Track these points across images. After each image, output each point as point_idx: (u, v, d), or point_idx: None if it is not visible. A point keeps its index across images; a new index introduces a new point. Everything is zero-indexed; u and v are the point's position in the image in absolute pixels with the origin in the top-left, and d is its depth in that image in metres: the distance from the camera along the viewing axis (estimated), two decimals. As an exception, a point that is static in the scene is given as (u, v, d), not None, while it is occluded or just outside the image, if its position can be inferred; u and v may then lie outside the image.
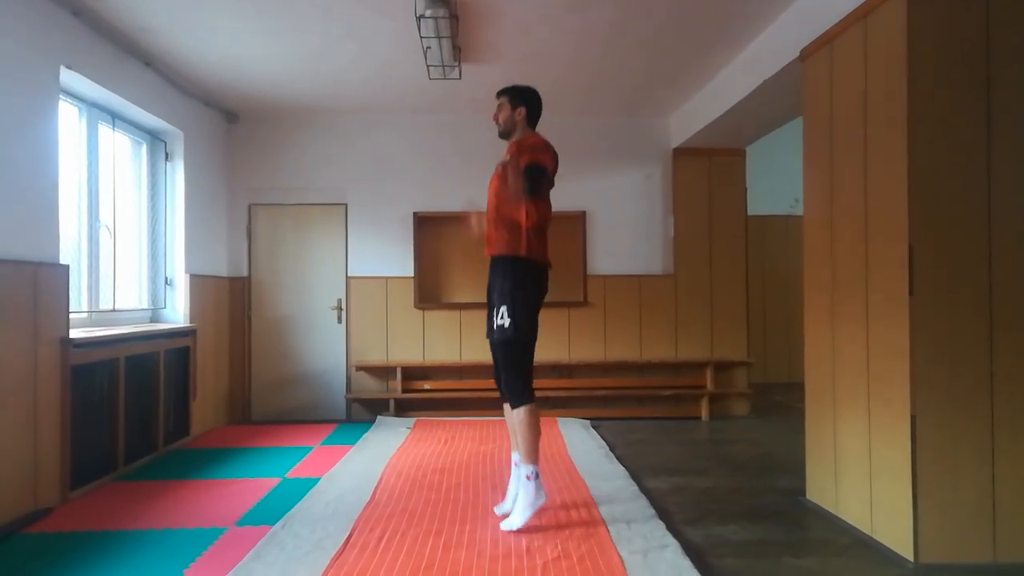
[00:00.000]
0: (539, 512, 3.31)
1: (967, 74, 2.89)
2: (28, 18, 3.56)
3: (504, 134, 3.44)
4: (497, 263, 3.36)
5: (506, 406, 3.37)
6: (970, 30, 2.89)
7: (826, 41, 3.50)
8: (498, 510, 3.43)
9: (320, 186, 6.28)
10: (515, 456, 3.42)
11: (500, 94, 3.45)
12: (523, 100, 3.40)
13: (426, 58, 4.48)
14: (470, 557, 2.89)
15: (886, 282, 3.02)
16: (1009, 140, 2.87)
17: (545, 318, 6.51)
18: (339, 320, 6.28)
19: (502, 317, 3.26)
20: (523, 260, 3.28)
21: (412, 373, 6.19)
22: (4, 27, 3.40)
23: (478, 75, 5.01)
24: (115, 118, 4.72)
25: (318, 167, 6.27)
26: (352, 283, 6.28)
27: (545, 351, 6.25)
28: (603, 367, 6.27)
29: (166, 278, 5.30)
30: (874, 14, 3.10)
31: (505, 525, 3.19)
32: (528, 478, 3.21)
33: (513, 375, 3.29)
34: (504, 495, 3.54)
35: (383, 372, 6.25)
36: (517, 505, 3.22)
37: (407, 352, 6.27)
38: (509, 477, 3.53)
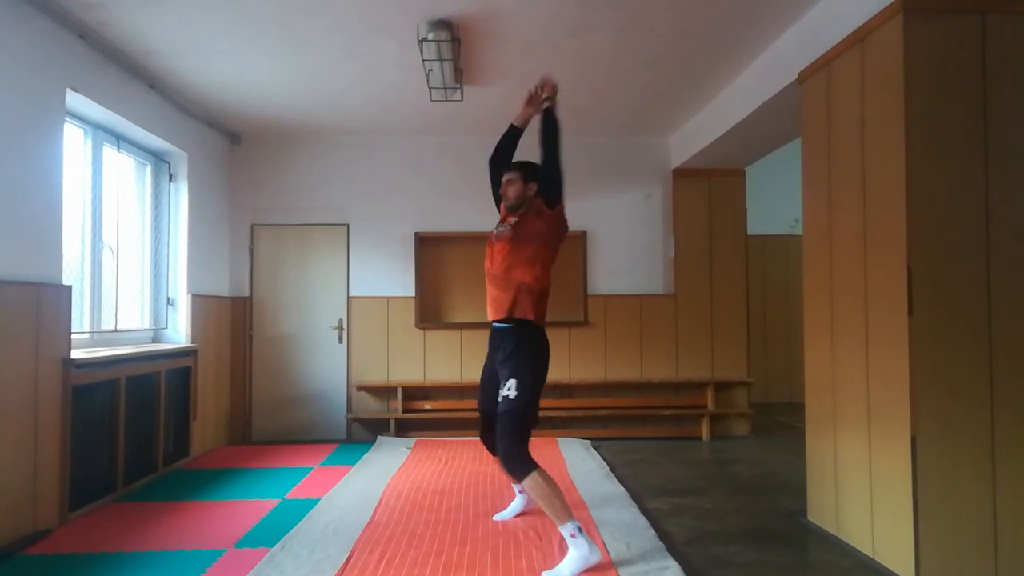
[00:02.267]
0: (540, 532, 3.28)
1: (964, 95, 2.92)
2: (36, 41, 3.61)
3: (514, 208, 3.41)
4: (502, 332, 3.33)
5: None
6: (966, 52, 2.93)
7: (824, 63, 3.54)
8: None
9: (322, 206, 6.31)
10: (561, 529, 3.02)
11: (512, 168, 3.44)
12: (535, 176, 3.36)
13: (428, 80, 4.53)
14: (470, 579, 2.87)
15: (885, 302, 3.03)
16: (1006, 161, 2.90)
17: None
18: (340, 340, 6.28)
19: (509, 389, 3.16)
20: (532, 325, 3.27)
21: (413, 393, 6.19)
22: (12, 50, 3.44)
23: (479, 97, 5.06)
24: (120, 139, 4.76)
25: (320, 187, 6.31)
26: (353, 303, 6.29)
27: (546, 371, 6.26)
28: (603, 387, 6.26)
29: (168, 298, 5.32)
30: (871, 36, 3.14)
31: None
32: (573, 536, 2.93)
33: (511, 444, 3.12)
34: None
35: (384, 392, 6.24)
36: (567, 561, 2.93)
37: (408, 372, 6.27)
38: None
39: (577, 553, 2.91)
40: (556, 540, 3.30)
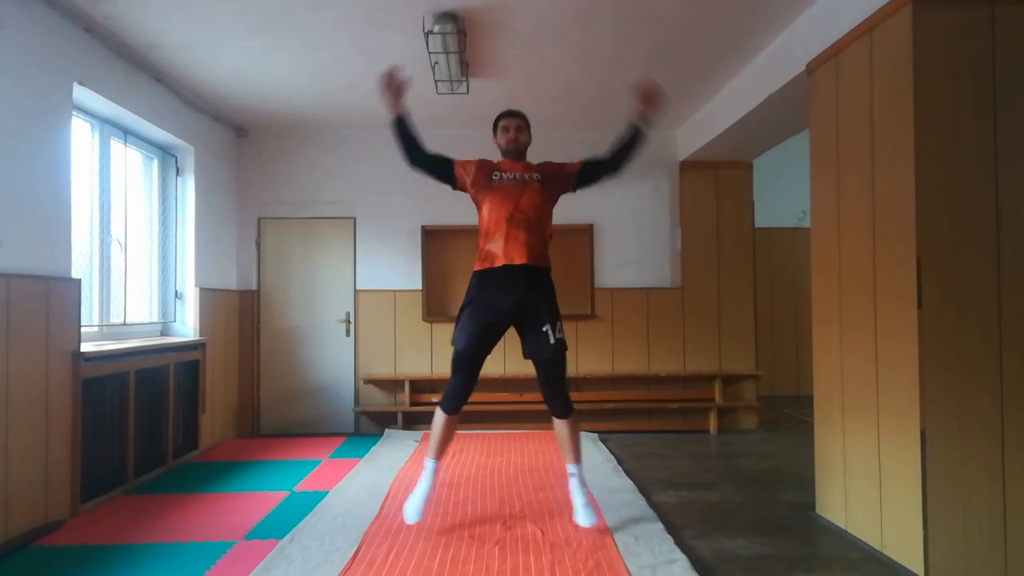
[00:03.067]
0: (547, 526, 3.31)
1: (973, 86, 2.90)
2: (42, 36, 3.62)
3: (519, 154, 3.51)
4: (538, 274, 3.37)
5: (557, 422, 3.44)
6: (976, 42, 2.90)
7: (832, 54, 3.52)
8: (580, 521, 3.38)
9: (329, 200, 6.32)
10: (571, 468, 3.45)
11: (518, 116, 3.54)
12: (529, 126, 3.58)
13: (434, 73, 4.52)
14: (478, 571, 2.88)
15: (894, 295, 3.02)
16: (1016, 152, 2.87)
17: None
18: (347, 333, 6.30)
19: (560, 332, 3.36)
20: (549, 272, 3.46)
21: (420, 386, 6.20)
22: (19, 45, 3.45)
23: (485, 90, 5.05)
24: (127, 134, 4.78)
25: (327, 181, 6.31)
26: (360, 296, 6.31)
27: (553, 364, 6.26)
28: (611, 380, 6.26)
29: (176, 291, 5.34)
30: (880, 27, 3.11)
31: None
32: (583, 475, 3.46)
33: (567, 385, 3.43)
34: (572, 510, 3.48)
35: (391, 385, 6.26)
36: (585, 501, 3.39)
37: (415, 365, 6.28)
38: (572, 493, 3.48)
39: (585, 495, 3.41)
40: (563, 530, 3.31)
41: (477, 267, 3.41)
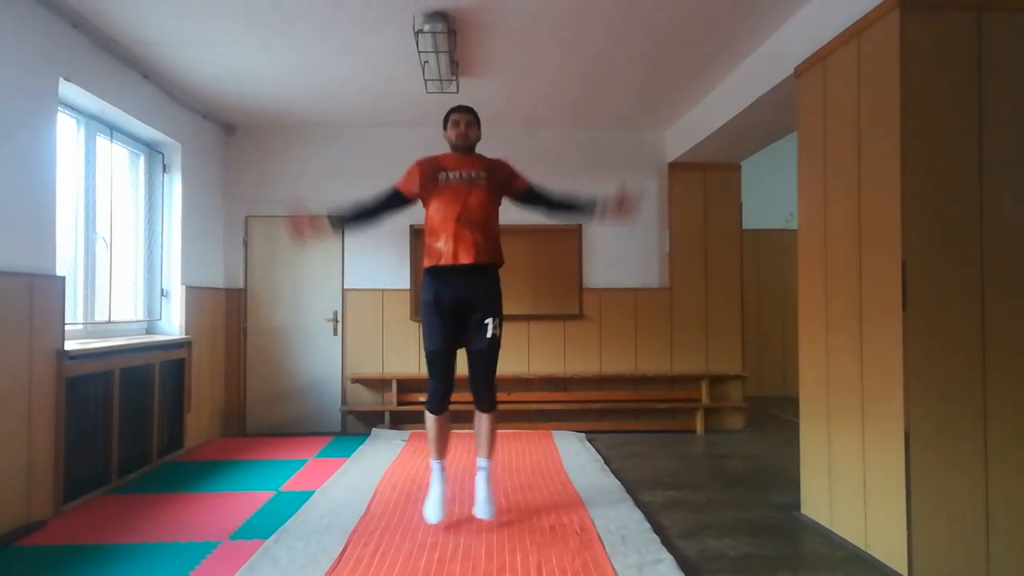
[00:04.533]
0: (534, 525, 3.33)
1: (959, 90, 2.92)
2: (28, 30, 3.58)
3: (468, 149, 3.57)
4: (485, 270, 3.45)
5: (479, 415, 3.55)
6: (962, 47, 2.93)
7: (820, 58, 3.54)
8: (479, 513, 3.46)
9: (317, 198, 6.26)
10: (482, 461, 3.56)
11: (468, 111, 3.59)
12: (479, 123, 3.63)
13: (424, 72, 4.51)
14: (465, 571, 2.88)
15: (880, 297, 3.04)
16: (1001, 156, 2.91)
17: (540, 331, 6.54)
18: (335, 332, 6.28)
19: (497, 327, 3.45)
20: (498, 268, 3.55)
21: (407, 385, 6.18)
22: (4, 40, 3.41)
23: (475, 89, 5.05)
24: (113, 130, 4.74)
25: (315, 179, 6.28)
26: (348, 295, 6.29)
27: (540, 364, 6.28)
28: (598, 380, 6.27)
29: (162, 290, 5.30)
30: (867, 32, 3.14)
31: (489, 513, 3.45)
32: (493, 470, 3.61)
33: (493, 382, 3.54)
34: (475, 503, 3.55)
35: (378, 384, 6.24)
36: (487, 495, 3.49)
37: (402, 364, 6.26)
38: (477, 485, 3.55)
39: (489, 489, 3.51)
40: (550, 530, 3.32)
41: (426, 263, 3.49)
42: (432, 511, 3.41)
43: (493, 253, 3.47)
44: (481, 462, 3.55)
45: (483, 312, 3.43)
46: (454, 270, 3.39)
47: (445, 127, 3.60)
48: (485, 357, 3.46)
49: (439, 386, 3.49)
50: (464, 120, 3.54)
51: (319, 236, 3.62)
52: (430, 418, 3.53)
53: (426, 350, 3.51)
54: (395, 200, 3.59)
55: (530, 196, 3.62)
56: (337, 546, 3.16)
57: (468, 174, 3.47)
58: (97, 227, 4.56)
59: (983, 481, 2.85)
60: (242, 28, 4.07)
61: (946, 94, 2.92)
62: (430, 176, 3.49)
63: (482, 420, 3.54)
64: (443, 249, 3.39)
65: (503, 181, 3.56)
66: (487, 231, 3.45)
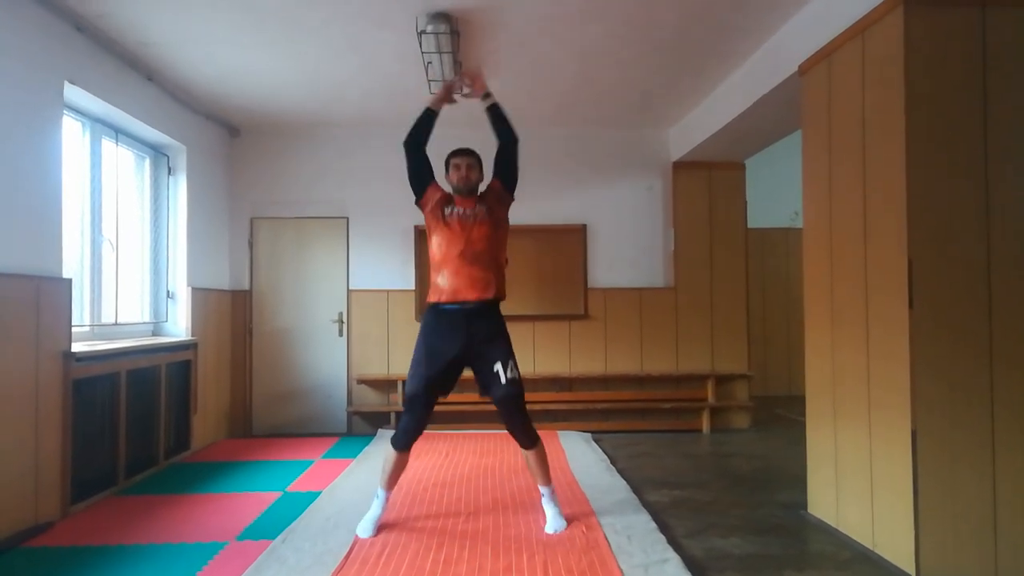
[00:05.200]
0: (540, 525, 3.35)
1: (964, 88, 2.91)
2: (33, 34, 3.60)
3: (470, 191, 3.54)
4: (486, 309, 3.42)
5: (524, 452, 3.48)
6: (967, 44, 2.92)
7: (824, 55, 3.53)
8: (550, 530, 3.39)
9: (321, 199, 6.30)
10: (542, 490, 3.52)
11: (469, 154, 3.58)
12: (481, 164, 3.61)
13: (427, 73, 4.51)
14: (471, 571, 2.88)
15: (886, 295, 3.03)
16: (1006, 153, 2.90)
17: (545, 331, 6.53)
18: (340, 333, 6.29)
19: (511, 370, 3.37)
20: (499, 303, 3.51)
21: (413, 386, 6.18)
22: (9, 43, 3.43)
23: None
24: (118, 133, 4.75)
25: (320, 180, 6.30)
26: (353, 296, 6.29)
27: (546, 364, 6.28)
28: (604, 380, 6.27)
29: (168, 291, 5.31)
30: (872, 29, 3.13)
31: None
32: (554, 492, 3.53)
33: (528, 418, 3.45)
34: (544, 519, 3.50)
35: (384, 385, 6.25)
36: (556, 512, 3.47)
37: (408, 365, 6.23)
38: (544, 507, 3.52)
39: (558, 508, 3.48)
40: (555, 531, 3.33)
41: (429, 298, 3.48)
42: (364, 528, 3.35)
43: (496, 288, 3.43)
44: (542, 490, 3.51)
45: (491, 359, 3.37)
46: (455, 313, 3.38)
47: (447, 171, 3.59)
48: (507, 404, 3.38)
49: (412, 425, 3.42)
50: (465, 163, 3.54)
51: (445, 100, 3.63)
52: (392, 453, 3.45)
53: (407, 389, 3.46)
54: (422, 172, 3.56)
55: (501, 169, 3.57)
56: (343, 547, 3.16)
57: (471, 211, 3.47)
58: (103, 229, 4.58)
59: (990, 479, 2.84)
60: (245, 30, 4.08)
61: (951, 90, 2.91)
62: (442, 206, 3.49)
63: (529, 456, 3.47)
64: (444, 286, 3.39)
65: (495, 200, 3.54)
66: (491, 265, 3.43)
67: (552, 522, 3.40)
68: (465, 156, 3.57)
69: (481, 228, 3.43)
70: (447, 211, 3.48)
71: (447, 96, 3.64)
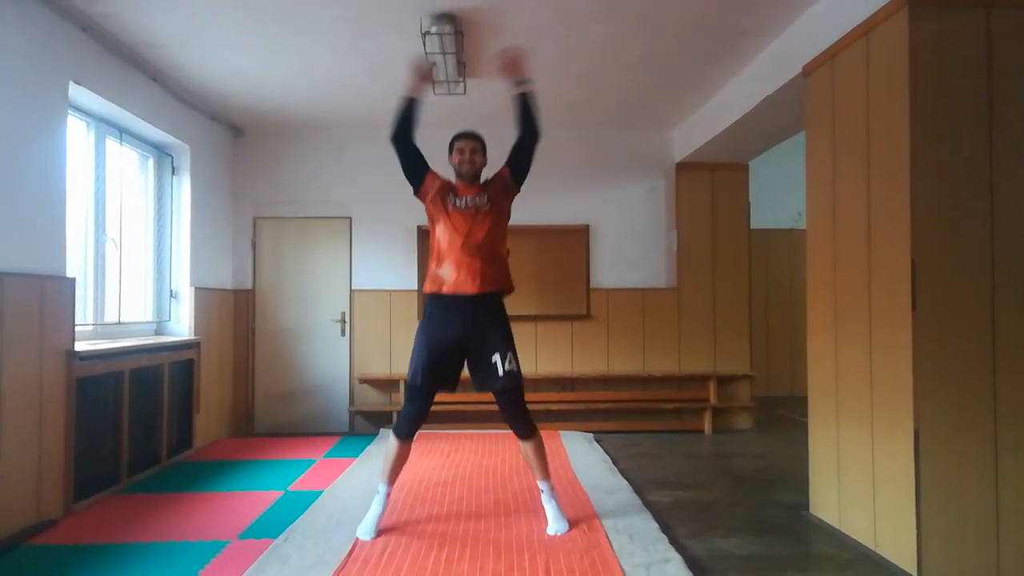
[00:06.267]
0: (542, 525, 3.35)
1: (969, 89, 2.91)
2: (38, 35, 3.61)
3: (474, 177, 3.50)
4: (487, 301, 3.38)
5: (521, 443, 3.45)
6: (971, 46, 2.92)
7: (829, 57, 3.53)
8: (551, 531, 3.37)
9: (324, 199, 6.31)
10: (541, 484, 3.48)
11: (473, 137, 3.53)
12: (485, 148, 3.56)
13: (432, 74, 4.51)
14: (472, 571, 2.89)
15: (889, 296, 3.03)
16: (1011, 154, 2.89)
17: (548, 331, 6.53)
18: (343, 333, 6.29)
19: (510, 363, 3.34)
20: (504, 295, 3.48)
21: (415, 386, 6.18)
22: (15, 44, 3.44)
23: (482, 90, 5.04)
24: (122, 132, 4.76)
25: (323, 181, 6.30)
26: (356, 296, 6.30)
27: (548, 364, 6.28)
28: (606, 380, 6.27)
29: (171, 291, 5.33)
30: (876, 31, 3.13)
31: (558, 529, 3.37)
32: (553, 488, 3.48)
33: (526, 410, 3.43)
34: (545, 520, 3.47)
35: (386, 385, 6.26)
36: (557, 512, 3.43)
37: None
38: (544, 505, 3.48)
39: (558, 507, 3.44)
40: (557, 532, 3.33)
41: (427, 288, 3.43)
42: (365, 530, 3.32)
43: (499, 280, 3.41)
44: (540, 485, 3.47)
45: (489, 351, 3.34)
46: (455, 302, 3.34)
47: (450, 154, 3.55)
48: (505, 396, 3.37)
49: (414, 414, 3.40)
50: (469, 147, 3.49)
51: (422, 84, 3.54)
52: (394, 442, 3.40)
53: (408, 380, 3.44)
54: (416, 161, 3.52)
55: (515, 160, 3.51)
56: (345, 546, 3.17)
57: (475, 201, 3.42)
58: (107, 229, 4.59)
59: (993, 480, 2.84)
60: (250, 30, 4.09)
61: (955, 92, 2.91)
62: (444, 195, 3.44)
63: (526, 447, 3.43)
64: (445, 277, 3.36)
65: (501, 190, 3.49)
66: (493, 257, 3.40)
67: (553, 524, 3.38)
68: (470, 140, 3.51)
69: (484, 221, 3.39)
70: (450, 201, 3.43)
71: (422, 79, 3.51)
